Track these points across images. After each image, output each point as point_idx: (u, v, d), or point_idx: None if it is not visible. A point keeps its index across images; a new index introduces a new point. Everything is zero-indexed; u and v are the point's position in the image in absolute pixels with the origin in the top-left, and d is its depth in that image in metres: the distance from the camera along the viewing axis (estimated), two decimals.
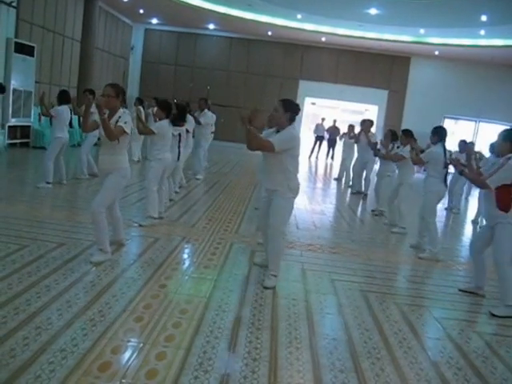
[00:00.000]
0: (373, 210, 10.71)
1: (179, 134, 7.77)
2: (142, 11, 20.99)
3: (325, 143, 22.64)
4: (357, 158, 13.49)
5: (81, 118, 12.19)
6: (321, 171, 19.38)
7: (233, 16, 20.06)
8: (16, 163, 11.91)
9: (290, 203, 5.38)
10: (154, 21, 23.02)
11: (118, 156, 5.48)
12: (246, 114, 5.28)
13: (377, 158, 11.98)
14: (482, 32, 17.87)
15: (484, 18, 16.05)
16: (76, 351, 3.45)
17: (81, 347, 3.51)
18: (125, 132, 5.35)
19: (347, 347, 4.07)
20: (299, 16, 19.47)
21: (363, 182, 13.06)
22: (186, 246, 6.57)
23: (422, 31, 19.48)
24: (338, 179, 15.56)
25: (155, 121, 7.46)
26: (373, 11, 17.36)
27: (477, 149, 13.98)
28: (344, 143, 15.63)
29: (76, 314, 4.02)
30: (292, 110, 5.32)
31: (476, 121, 23.25)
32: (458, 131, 22.98)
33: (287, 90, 23.22)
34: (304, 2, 17.62)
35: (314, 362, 3.74)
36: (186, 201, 9.46)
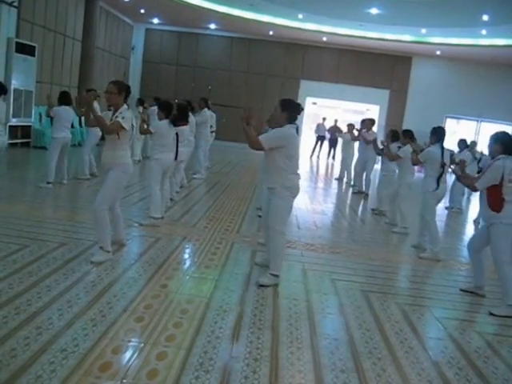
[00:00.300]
0: (373, 209, 10.70)
1: (176, 134, 7.75)
2: (142, 11, 20.98)
3: (326, 143, 22.62)
4: (357, 158, 13.47)
5: (81, 118, 12.23)
6: (322, 171, 19.38)
7: (234, 16, 20.04)
8: (17, 163, 11.91)
9: (288, 202, 5.37)
10: (155, 20, 23.01)
11: (119, 152, 5.48)
12: (246, 114, 5.49)
13: (377, 158, 12.00)
14: (484, 32, 17.84)
15: (485, 17, 16.03)
16: (77, 351, 3.44)
17: (82, 347, 3.50)
18: (122, 127, 5.33)
19: (348, 347, 4.07)
20: (300, 16, 19.46)
21: (364, 181, 13.04)
22: (186, 245, 6.57)
23: (423, 31, 19.46)
24: (339, 179, 15.55)
25: (160, 119, 7.45)
26: (374, 11, 17.34)
27: (478, 149, 13.97)
28: (343, 142, 15.65)
29: (77, 314, 4.01)
30: (289, 109, 5.37)
31: (478, 120, 23.23)
32: (459, 131, 22.97)
33: (288, 89, 23.20)
34: (305, 2, 17.61)
35: (315, 362, 3.74)
36: (187, 201, 9.46)
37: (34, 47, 14.82)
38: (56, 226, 6.69)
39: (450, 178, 12.16)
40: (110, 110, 6.14)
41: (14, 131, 14.10)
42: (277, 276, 5.37)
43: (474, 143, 13.56)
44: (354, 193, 13.23)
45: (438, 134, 7.49)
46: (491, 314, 5.34)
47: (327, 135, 22.24)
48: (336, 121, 21.51)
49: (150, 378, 3.23)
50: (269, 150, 5.28)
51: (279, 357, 3.75)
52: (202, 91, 21.88)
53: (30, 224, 6.56)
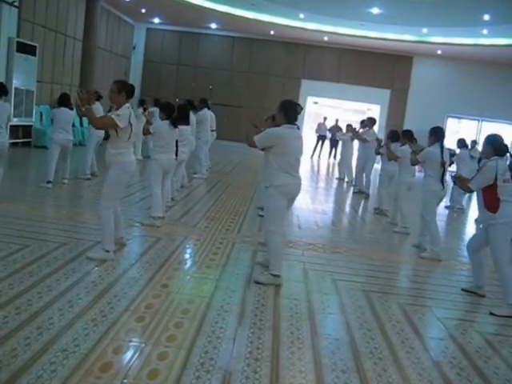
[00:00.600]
0: (375, 209, 10.69)
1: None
2: (143, 11, 20.96)
3: (327, 143, 22.60)
4: (357, 158, 13.47)
5: (82, 118, 12.21)
6: (323, 171, 19.38)
7: (235, 15, 20.02)
8: (18, 163, 11.92)
9: (278, 202, 5.36)
10: (156, 20, 22.99)
11: (118, 149, 5.50)
12: (257, 119, 5.78)
13: (378, 158, 12.00)
14: (485, 31, 17.81)
15: (487, 17, 16.01)
16: (77, 351, 3.44)
17: (82, 347, 3.50)
18: (114, 123, 5.35)
19: (349, 347, 4.06)
20: (302, 15, 19.44)
21: (364, 181, 13.04)
22: (187, 245, 6.57)
23: (424, 30, 19.43)
24: (341, 179, 15.56)
25: (161, 120, 7.46)
26: (375, 10, 17.32)
27: (479, 148, 13.94)
28: (343, 142, 15.66)
29: (77, 314, 4.01)
30: (285, 109, 5.42)
31: (479, 120, 23.21)
32: (460, 130, 22.96)
33: (289, 89, 23.18)
34: (306, 2, 17.59)
35: (316, 362, 3.73)
36: (187, 200, 9.46)
37: (35, 47, 14.81)
38: (57, 225, 6.69)
39: (451, 176, 12.17)
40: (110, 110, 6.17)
41: (15, 131, 14.10)
42: (277, 276, 5.36)
43: (474, 143, 13.56)
44: (354, 192, 13.22)
45: (437, 134, 7.50)
46: (492, 314, 5.34)
47: (328, 135, 22.22)
48: (337, 120, 21.50)
49: (150, 378, 3.22)
50: (264, 148, 5.42)
51: (280, 357, 3.74)
52: (203, 91, 21.86)
53: (30, 224, 6.56)
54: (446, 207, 12.21)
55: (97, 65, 18.82)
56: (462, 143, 12.78)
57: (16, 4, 13.60)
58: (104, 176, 5.77)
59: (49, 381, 3.06)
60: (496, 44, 18.93)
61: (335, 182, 15.62)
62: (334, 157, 22.20)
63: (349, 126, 15.68)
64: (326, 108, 25.36)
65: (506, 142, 5.96)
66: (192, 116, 10.07)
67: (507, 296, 5.42)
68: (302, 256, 6.61)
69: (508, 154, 5.79)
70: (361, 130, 13.25)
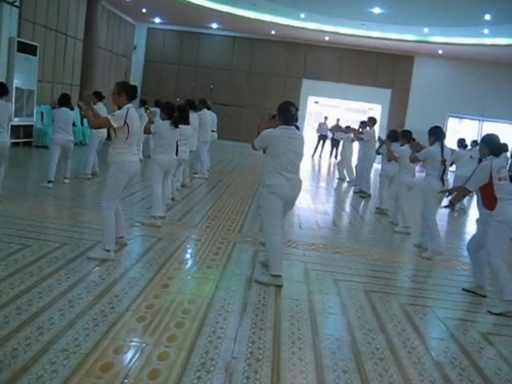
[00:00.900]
0: (377, 208, 10.68)
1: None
2: (144, 10, 20.96)
3: (328, 142, 22.57)
4: (358, 157, 13.48)
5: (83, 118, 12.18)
6: (324, 170, 19.37)
7: (236, 15, 20.01)
8: (19, 162, 11.91)
9: (269, 202, 5.37)
10: (157, 20, 22.99)
11: (117, 150, 5.54)
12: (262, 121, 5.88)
13: (377, 158, 12.02)
14: (486, 31, 17.79)
15: (488, 16, 15.99)
16: (78, 351, 3.43)
17: (83, 347, 3.50)
18: (109, 123, 5.42)
19: (350, 347, 4.06)
20: (302, 15, 19.42)
21: (364, 181, 13.04)
22: (188, 245, 6.56)
23: (425, 30, 19.42)
24: (341, 178, 15.55)
25: (162, 120, 7.49)
26: (376, 10, 17.30)
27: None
28: (343, 143, 15.67)
29: (78, 314, 4.00)
30: (280, 110, 5.46)
31: (480, 120, 23.19)
32: (462, 130, 22.94)
33: (290, 89, 23.18)
34: (307, 2, 17.57)
35: (316, 363, 3.72)
36: (188, 200, 9.45)
37: (36, 46, 14.81)
38: (57, 225, 6.69)
39: (452, 177, 12.17)
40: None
41: (16, 131, 14.08)
42: (277, 276, 5.33)
43: (475, 143, 13.54)
44: (355, 192, 13.21)
45: (436, 134, 7.55)
46: (490, 312, 5.35)
47: (329, 134, 22.19)
48: (338, 120, 21.48)
49: (151, 379, 3.22)
50: (258, 149, 5.62)
51: (281, 357, 3.74)
52: (204, 91, 21.86)
53: (31, 223, 6.55)
54: (445, 207, 12.17)
55: (97, 64, 18.81)
56: (461, 143, 12.80)
57: (17, 4, 13.59)
58: (105, 176, 5.76)
59: (49, 381, 3.06)
60: (497, 44, 18.91)
61: (336, 181, 15.61)
62: (335, 156, 22.16)
63: (347, 128, 15.73)
64: (327, 108, 25.34)
65: (507, 141, 5.99)
66: (195, 116, 10.05)
67: (501, 293, 5.45)
68: (303, 256, 6.60)
69: (508, 154, 5.83)
70: (360, 130, 13.25)
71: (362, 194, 12.67)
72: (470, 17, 16.33)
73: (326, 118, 22.74)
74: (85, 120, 15.38)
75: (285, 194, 5.34)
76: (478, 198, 5.83)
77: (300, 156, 5.48)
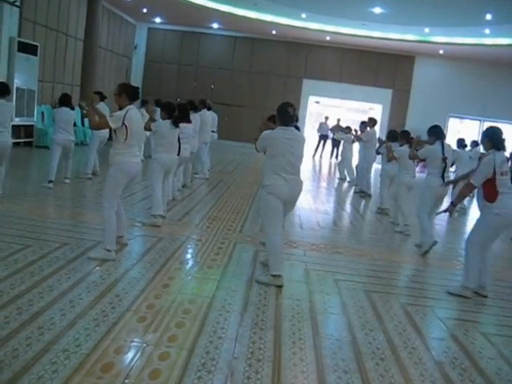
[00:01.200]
0: (378, 207, 10.67)
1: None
2: (145, 10, 20.95)
3: (329, 142, 22.55)
4: (359, 157, 13.49)
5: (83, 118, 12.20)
6: (325, 170, 19.36)
7: (237, 15, 20.00)
8: (19, 162, 11.91)
9: (267, 202, 5.40)
10: (158, 20, 22.98)
11: (116, 150, 5.56)
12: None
13: (378, 158, 12.03)
14: (487, 31, 17.78)
15: (489, 16, 15.97)
16: (79, 351, 3.43)
17: (84, 347, 3.49)
18: (108, 124, 5.50)
19: (351, 348, 4.05)
20: (304, 15, 19.42)
21: (365, 181, 13.05)
22: (189, 245, 6.56)
23: (426, 30, 19.40)
24: (342, 178, 15.55)
25: (163, 119, 7.53)
26: (377, 10, 17.29)
27: (481, 148, 13.94)
28: (344, 143, 15.68)
29: (79, 314, 4.00)
30: (278, 112, 5.47)
31: (481, 120, 23.16)
32: (462, 130, 22.92)
33: (291, 89, 23.18)
34: (308, 2, 17.57)
35: (317, 363, 3.72)
36: (189, 200, 9.45)
37: (37, 46, 14.81)
38: (58, 225, 6.69)
39: (453, 176, 12.16)
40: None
41: (16, 131, 14.07)
42: (277, 276, 5.32)
43: (475, 143, 13.53)
44: (355, 192, 13.21)
45: (436, 133, 7.62)
46: (449, 293, 5.77)
47: (330, 134, 22.18)
48: (339, 120, 21.46)
49: (152, 379, 3.22)
50: (260, 151, 5.68)
51: (282, 357, 3.73)
52: (205, 91, 21.88)
53: (32, 223, 6.55)
54: (446, 211, 12.13)
55: (98, 64, 18.79)
56: (460, 143, 12.83)
57: (17, 4, 13.59)
58: (105, 176, 5.77)
59: (50, 381, 3.06)
60: (498, 44, 18.89)
61: (337, 181, 15.60)
62: (336, 156, 22.15)
63: (348, 128, 15.75)
64: (328, 108, 25.34)
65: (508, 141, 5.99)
66: (196, 117, 10.06)
67: (464, 278, 5.78)
68: (303, 256, 6.60)
69: (508, 155, 5.84)
70: (359, 133, 13.27)
71: (363, 194, 12.68)
72: (470, 17, 16.32)
73: (326, 117, 22.74)
74: (85, 120, 15.48)
75: (283, 195, 5.32)
76: (478, 191, 5.85)
77: (300, 157, 5.44)
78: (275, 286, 5.25)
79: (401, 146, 9.06)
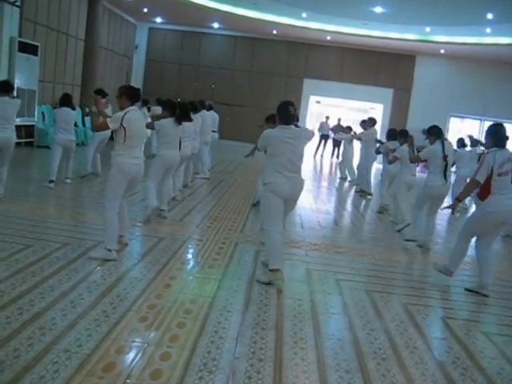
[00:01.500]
0: (380, 206, 10.67)
1: None
2: (145, 10, 20.95)
3: (330, 142, 22.53)
4: (360, 157, 13.49)
5: (84, 118, 12.25)
6: (326, 170, 19.35)
7: (237, 15, 19.99)
8: (20, 162, 11.90)
9: (265, 199, 5.44)
10: (158, 20, 22.98)
11: (116, 151, 5.59)
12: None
13: (378, 157, 12.05)
14: (488, 30, 17.75)
15: (490, 15, 15.95)
16: (80, 351, 3.43)
17: (85, 347, 3.49)
18: (107, 125, 5.53)
19: (353, 347, 4.05)
20: (304, 15, 19.41)
21: (366, 180, 13.07)
22: (190, 245, 6.55)
23: (427, 29, 19.39)
24: (343, 178, 15.55)
25: (164, 118, 7.60)
26: (378, 9, 17.28)
27: (482, 148, 13.94)
28: (344, 142, 15.68)
29: (80, 315, 4.00)
30: (278, 110, 5.50)
31: (481, 119, 23.14)
32: (463, 129, 22.90)
33: (292, 88, 23.17)
34: (309, 1, 17.56)
35: (319, 363, 3.72)
36: (190, 200, 9.44)
37: (37, 46, 14.80)
38: (59, 225, 6.69)
39: (453, 175, 12.15)
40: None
41: (17, 130, 14.02)
42: (275, 270, 5.29)
43: (476, 142, 13.52)
44: (356, 192, 13.20)
45: (436, 133, 7.66)
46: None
47: (331, 134, 22.15)
48: (339, 119, 21.44)
49: (153, 379, 3.21)
50: (261, 150, 5.76)
51: (283, 357, 3.73)
52: (205, 90, 21.88)
53: (33, 224, 6.55)
54: (448, 207, 12.12)
55: (99, 64, 18.80)
56: (461, 143, 12.84)
57: (18, 3, 13.57)
58: (106, 176, 5.78)
59: (51, 381, 3.06)
60: (499, 43, 18.87)
61: (338, 181, 15.59)
62: (337, 156, 22.13)
63: (348, 128, 15.75)
64: (329, 107, 25.33)
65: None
66: (197, 117, 10.07)
67: (448, 261, 6.09)
68: (305, 256, 6.60)
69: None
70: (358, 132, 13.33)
71: (363, 194, 12.69)
72: (471, 16, 16.30)
73: (327, 117, 22.72)
74: (86, 120, 15.47)
75: (284, 193, 5.32)
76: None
77: (300, 156, 5.44)
78: (276, 281, 5.24)
79: (401, 144, 9.09)
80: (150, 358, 3.46)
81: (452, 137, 16.84)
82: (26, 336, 3.55)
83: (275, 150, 5.33)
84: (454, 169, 12.69)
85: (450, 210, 6.33)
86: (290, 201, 5.51)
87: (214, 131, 13.06)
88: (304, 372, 3.56)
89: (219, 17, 20.85)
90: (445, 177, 7.41)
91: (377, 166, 13.55)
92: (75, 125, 9.81)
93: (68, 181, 9.53)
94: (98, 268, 5.17)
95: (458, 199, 6.04)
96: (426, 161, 7.80)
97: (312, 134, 5.74)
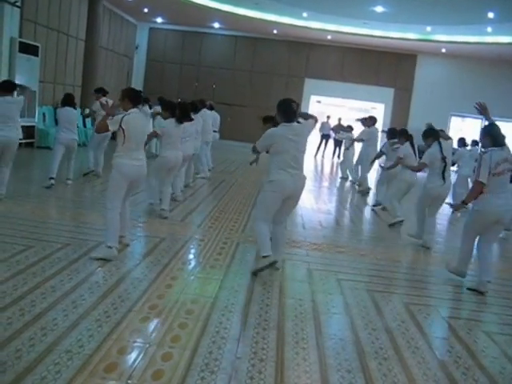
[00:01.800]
0: (383, 207, 10.67)
1: None
2: (146, 10, 20.97)
3: (331, 142, 22.50)
4: (359, 155, 13.51)
5: (84, 119, 12.26)
6: (327, 170, 19.33)
7: (238, 14, 20.02)
8: (21, 163, 11.90)
9: (266, 195, 5.56)
10: (159, 20, 23.01)
11: (116, 153, 5.63)
12: None
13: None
14: (489, 29, 17.77)
15: (491, 14, 15.96)
16: (82, 352, 3.43)
17: (86, 348, 3.49)
18: (107, 127, 5.55)
19: (354, 347, 4.05)
20: (305, 14, 19.42)
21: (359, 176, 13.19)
22: (191, 245, 6.55)
23: (428, 29, 19.40)
24: (344, 178, 15.53)
25: (165, 119, 7.65)
26: (379, 9, 17.30)
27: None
28: (345, 141, 15.71)
29: (82, 315, 4.00)
30: (281, 108, 5.56)
31: (483, 118, 23.08)
32: (464, 129, 22.89)
33: (293, 88, 23.18)
34: (310, 1, 17.59)
35: (320, 363, 3.71)
36: (191, 200, 9.44)
37: (38, 47, 14.80)
38: (60, 226, 6.69)
39: (454, 175, 12.16)
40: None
41: None
42: (266, 257, 5.41)
43: (475, 143, 13.51)
44: (358, 192, 13.19)
45: (433, 135, 7.77)
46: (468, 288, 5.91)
47: (332, 134, 22.12)
48: (339, 119, 21.41)
49: (155, 379, 3.21)
50: (262, 151, 5.79)
51: (285, 357, 3.73)
52: (206, 90, 21.89)
53: (34, 224, 6.55)
54: (451, 205, 12.13)
55: (99, 65, 18.82)
56: (461, 142, 12.91)
57: (18, 4, 13.57)
58: (107, 177, 5.80)
59: (53, 382, 3.06)
60: (500, 42, 18.88)
61: (339, 181, 15.58)
62: (338, 156, 22.10)
63: (349, 127, 15.75)
64: (330, 107, 25.31)
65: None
66: (198, 118, 10.07)
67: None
68: (306, 256, 6.59)
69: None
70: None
71: (361, 189, 12.74)
72: (473, 15, 16.31)
73: (328, 117, 22.68)
74: (87, 121, 15.50)
75: (287, 190, 5.44)
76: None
77: (304, 151, 5.62)
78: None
79: (401, 144, 9.15)
80: (151, 358, 3.46)
81: (453, 136, 16.82)
82: (27, 337, 3.55)
83: (280, 148, 5.41)
84: (455, 168, 12.72)
85: (451, 208, 6.41)
86: (292, 198, 5.61)
87: (214, 131, 13.05)
88: (306, 372, 3.56)
89: (220, 17, 20.87)
90: (443, 178, 7.45)
91: (377, 166, 13.54)
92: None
93: (69, 182, 9.52)
94: (100, 269, 5.17)
95: (464, 202, 5.99)
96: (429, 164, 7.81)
97: (313, 123, 5.88)
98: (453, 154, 10.41)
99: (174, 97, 17.91)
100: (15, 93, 8.08)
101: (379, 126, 13.21)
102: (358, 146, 14.31)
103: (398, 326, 4.59)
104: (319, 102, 25.00)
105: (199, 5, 18.88)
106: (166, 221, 7.45)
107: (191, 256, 6.19)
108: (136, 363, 3.38)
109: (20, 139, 8.02)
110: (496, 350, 4.38)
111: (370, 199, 12.12)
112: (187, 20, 22.08)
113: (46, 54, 15.76)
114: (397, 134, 9.87)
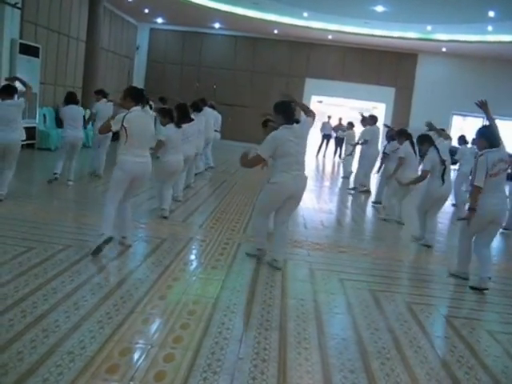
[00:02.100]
0: (383, 207, 10.67)
1: None
2: (147, 11, 20.97)
3: (332, 141, 22.48)
4: (360, 154, 13.50)
5: (85, 119, 12.30)
6: (328, 170, 19.31)
7: (238, 15, 20.01)
8: (22, 164, 11.89)
9: (267, 195, 5.84)
10: (159, 20, 23.01)
11: (119, 151, 5.68)
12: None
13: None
14: (490, 28, 17.75)
15: (491, 13, 15.95)
16: (84, 354, 3.43)
17: (88, 349, 3.49)
18: (110, 126, 5.58)
19: (357, 347, 4.04)
20: (305, 14, 19.41)
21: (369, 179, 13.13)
22: (193, 246, 6.55)
23: (428, 28, 19.38)
24: (346, 177, 15.52)
25: (163, 125, 7.67)
26: (379, 8, 17.28)
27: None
28: (346, 141, 15.71)
29: (83, 317, 3.99)
30: (281, 111, 5.64)
31: (484, 117, 23.05)
32: (466, 128, 22.87)
33: (293, 88, 23.12)
34: (310, 0, 17.57)
35: (323, 363, 3.71)
36: (192, 201, 9.43)
37: (38, 48, 14.79)
38: (62, 227, 6.68)
39: (454, 174, 12.17)
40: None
41: None
42: (260, 250, 5.97)
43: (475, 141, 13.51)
44: (360, 191, 13.17)
45: (428, 140, 7.92)
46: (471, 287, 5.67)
47: (333, 134, 22.11)
48: (340, 119, 21.40)
49: (157, 380, 3.21)
50: (266, 158, 5.76)
51: (287, 357, 3.72)
52: (207, 91, 21.87)
53: (35, 226, 6.55)
54: (453, 205, 12.13)
55: (100, 65, 18.79)
56: (462, 140, 12.98)
57: (18, 5, 13.56)
58: (108, 178, 5.81)
59: (55, 383, 3.05)
60: (501, 41, 18.86)
61: (340, 180, 15.57)
62: (340, 156, 22.08)
63: (349, 124, 15.75)
64: (331, 107, 25.31)
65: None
66: (200, 117, 10.07)
67: (481, 269, 5.93)
68: (308, 256, 6.58)
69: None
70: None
71: (363, 190, 12.74)
72: (473, 14, 16.29)
73: (329, 117, 22.65)
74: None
75: (289, 190, 5.60)
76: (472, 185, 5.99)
77: (305, 151, 5.80)
78: (279, 284, 5.32)
79: (401, 144, 9.18)
80: (153, 359, 3.46)
81: (454, 135, 16.80)
82: (29, 338, 3.55)
83: (283, 151, 5.51)
84: (456, 166, 12.74)
85: (452, 208, 6.39)
86: (294, 198, 5.73)
87: (216, 131, 13.05)
88: (308, 372, 3.55)
89: (220, 17, 20.87)
90: (443, 180, 7.49)
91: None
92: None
93: (70, 183, 9.51)
94: (101, 270, 5.17)
95: (472, 209, 5.90)
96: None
97: (311, 121, 5.93)
98: (454, 152, 10.42)
99: (174, 97, 17.92)
100: (15, 96, 7.95)
101: (380, 125, 13.13)
102: (357, 147, 14.30)
103: (401, 326, 4.59)
104: (320, 101, 24.99)
105: (199, 5, 18.88)
106: (167, 221, 7.45)
107: (193, 257, 6.19)
108: (138, 364, 3.37)
109: (22, 140, 7.99)
110: (498, 349, 4.37)
111: (372, 199, 12.09)
112: (187, 20, 22.08)
113: (47, 55, 15.75)
114: (395, 136, 9.90)
